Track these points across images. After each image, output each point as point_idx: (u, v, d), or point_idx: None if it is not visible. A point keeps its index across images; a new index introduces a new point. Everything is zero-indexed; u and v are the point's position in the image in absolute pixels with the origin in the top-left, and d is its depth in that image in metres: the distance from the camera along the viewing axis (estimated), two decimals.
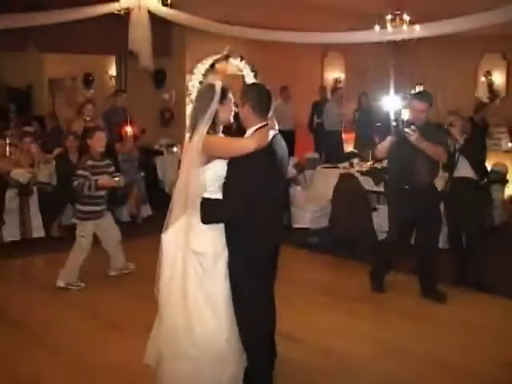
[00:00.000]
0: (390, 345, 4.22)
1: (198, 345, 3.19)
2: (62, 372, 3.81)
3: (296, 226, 7.06)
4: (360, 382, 3.73)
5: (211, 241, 3.23)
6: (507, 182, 7.86)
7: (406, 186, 4.89)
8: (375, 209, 6.60)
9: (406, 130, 4.66)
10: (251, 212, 3.11)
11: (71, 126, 7.96)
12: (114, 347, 4.12)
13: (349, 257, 6.27)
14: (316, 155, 9.03)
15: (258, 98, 3.22)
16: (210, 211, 3.16)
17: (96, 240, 6.93)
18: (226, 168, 3.18)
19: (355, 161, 7.95)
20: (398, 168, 5.02)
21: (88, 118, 7.69)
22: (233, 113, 3.33)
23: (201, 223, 3.22)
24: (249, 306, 3.25)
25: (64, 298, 5.17)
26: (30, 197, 6.69)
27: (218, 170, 3.17)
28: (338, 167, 7.73)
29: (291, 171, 7.19)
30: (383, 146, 5.04)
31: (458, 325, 4.60)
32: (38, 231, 6.80)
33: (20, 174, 6.64)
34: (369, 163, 7.81)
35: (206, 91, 3.28)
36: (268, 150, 3.14)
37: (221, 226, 3.23)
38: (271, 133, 3.21)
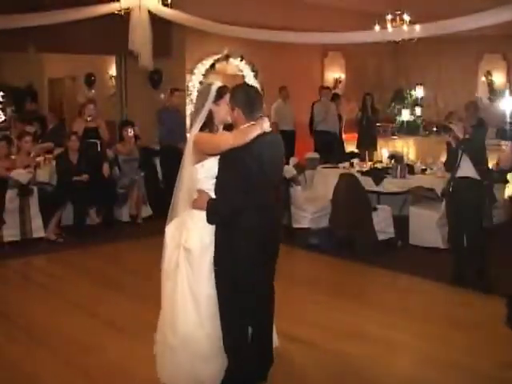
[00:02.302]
0: (389, 344, 4.22)
1: (179, 335, 3.33)
2: (62, 372, 3.80)
3: (296, 226, 7.06)
4: (360, 381, 3.73)
5: (198, 237, 3.29)
6: (507, 182, 7.85)
7: None
8: (375, 209, 6.60)
9: None
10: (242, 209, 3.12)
11: (72, 126, 7.96)
12: (114, 347, 4.12)
13: (349, 257, 6.26)
14: (316, 155, 9.03)
15: (247, 100, 3.21)
16: (209, 210, 3.19)
17: (97, 240, 6.96)
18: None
19: (355, 161, 7.96)
20: None
21: (89, 118, 7.68)
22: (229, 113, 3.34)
23: (190, 219, 3.33)
24: (226, 307, 3.26)
25: (64, 297, 5.16)
26: (30, 197, 6.68)
27: (211, 167, 3.21)
28: (338, 167, 7.74)
29: (291, 171, 7.19)
30: (507, 154, 4.65)
31: (457, 325, 4.60)
32: (38, 231, 6.79)
33: (20, 174, 6.63)
34: (369, 163, 7.83)
35: (203, 91, 3.43)
36: (250, 147, 3.09)
37: (209, 225, 3.24)
38: (256, 131, 3.13)
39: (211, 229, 3.25)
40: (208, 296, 3.30)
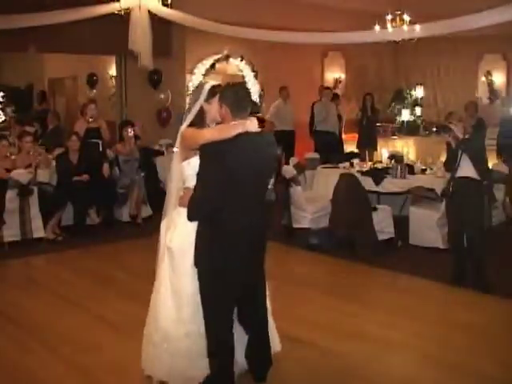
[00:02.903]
0: (389, 344, 4.22)
1: (160, 332, 3.39)
2: (61, 370, 3.81)
3: (296, 226, 7.06)
4: (360, 381, 3.73)
5: (181, 235, 3.31)
6: (507, 182, 7.85)
7: None
8: (375, 209, 6.60)
9: None
10: (219, 208, 3.08)
11: (73, 127, 7.94)
12: (113, 346, 4.13)
13: (349, 257, 6.26)
14: (316, 155, 9.04)
15: (235, 98, 3.17)
16: (189, 207, 3.16)
17: (97, 240, 6.96)
18: None
19: (355, 161, 7.96)
20: None
21: (91, 119, 7.66)
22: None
23: (177, 217, 3.35)
24: (206, 307, 3.24)
25: (64, 297, 5.16)
26: (30, 197, 6.68)
27: (196, 164, 3.18)
28: (338, 167, 7.74)
29: (291, 171, 7.19)
30: None
31: (457, 325, 4.60)
32: (38, 231, 6.78)
33: (20, 174, 6.63)
34: (369, 163, 7.84)
35: (196, 90, 3.44)
36: (231, 144, 3.04)
37: (194, 224, 3.21)
38: (238, 130, 3.07)
39: (195, 227, 3.21)
40: (190, 295, 3.31)
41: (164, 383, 3.45)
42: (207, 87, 3.37)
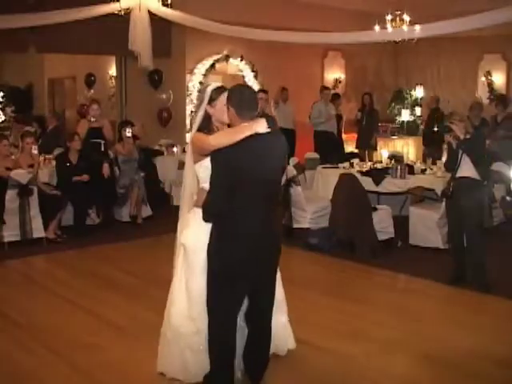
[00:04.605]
0: (389, 344, 4.22)
1: (172, 328, 3.48)
2: (61, 371, 3.80)
3: (296, 226, 7.06)
4: (360, 381, 3.73)
5: (195, 234, 3.36)
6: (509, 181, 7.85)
7: None
8: (375, 209, 6.60)
9: None
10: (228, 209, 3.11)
11: (76, 127, 7.92)
12: (114, 346, 4.12)
13: (349, 257, 6.27)
14: (316, 155, 9.04)
15: (240, 100, 3.16)
16: (202, 209, 3.22)
17: (97, 240, 6.95)
18: None
19: (355, 161, 7.96)
20: None
21: (93, 119, 7.63)
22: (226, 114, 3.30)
23: (192, 217, 3.42)
24: (209, 306, 3.29)
25: (63, 297, 5.16)
26: (30, 197, 6.67)
27: (208, 166, 3.19)
28: (338, 167, 7.74)
29: (291, 171, 7.19)
30: None
31: (457, 325, 4.60)
32: (38, 231, 6.78)
33: (20, 175, 6.63)
34: (369, 163, 7.84)
35: (200, 93, 3.48)
36: (237, 148, 3.05)
37: (208, 224, 3.25)
38: (244, 133, 3.06)
39: (209, 227, 3.26)
40: (200, 293, 3.34)
41: (175, 380, 3.51)
42: (209, 90, 3.38)
